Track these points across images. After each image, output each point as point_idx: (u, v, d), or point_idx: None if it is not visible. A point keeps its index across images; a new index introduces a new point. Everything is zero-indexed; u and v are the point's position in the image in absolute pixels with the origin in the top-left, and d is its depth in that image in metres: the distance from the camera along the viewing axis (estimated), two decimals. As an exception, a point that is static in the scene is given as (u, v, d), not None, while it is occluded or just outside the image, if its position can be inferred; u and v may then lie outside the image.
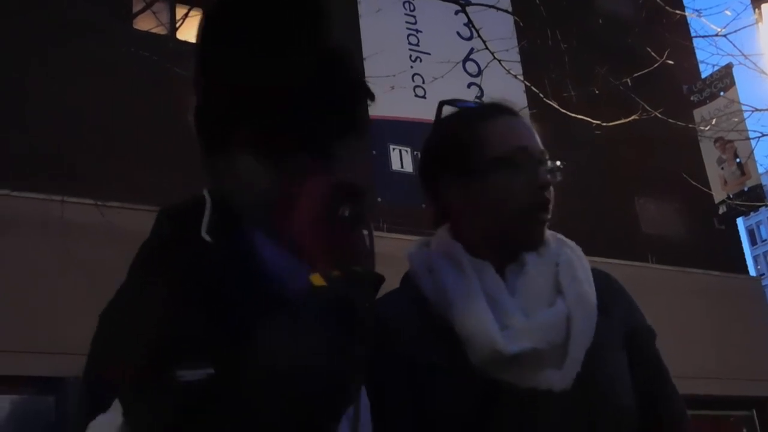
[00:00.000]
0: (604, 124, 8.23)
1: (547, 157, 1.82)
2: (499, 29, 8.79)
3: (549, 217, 1.80)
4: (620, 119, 8.33)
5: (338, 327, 1.28)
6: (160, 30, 9.18)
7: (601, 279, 1.87)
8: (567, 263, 1.81)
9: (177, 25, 9.50)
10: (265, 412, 1.22)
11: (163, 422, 1.22)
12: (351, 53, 1.53)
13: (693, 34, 13.48)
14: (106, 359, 1.34)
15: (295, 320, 1.27)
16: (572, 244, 1.91)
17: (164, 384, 1.21)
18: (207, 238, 1.36)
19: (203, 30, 1.50)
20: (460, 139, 1.84)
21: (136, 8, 9.42)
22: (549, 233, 1.88)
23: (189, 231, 1.38)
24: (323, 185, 1.37)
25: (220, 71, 1.48)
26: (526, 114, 1.93)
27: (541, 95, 7.93)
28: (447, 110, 1.92)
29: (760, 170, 13.47)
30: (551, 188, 1.80)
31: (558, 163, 1.82)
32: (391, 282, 1.56)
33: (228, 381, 1.21)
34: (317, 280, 1.30)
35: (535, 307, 1.72)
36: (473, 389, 1.65)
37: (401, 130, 10.48)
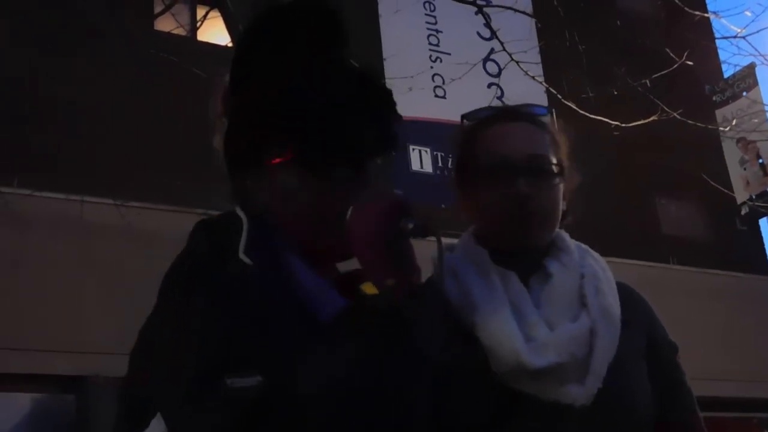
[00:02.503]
0: (623, 125, 8.18)
1: (540, 162, 1.79)
2: (518, 30, 8.74)
3: (533, 224, 1.78)
4: (640, 120, 8.28)
5: (388, 334, 1.32)
6: (181, 31, 9.21)
7: (623, 291, 1.85)
8: (592, 275, 1.80)
9: (197, 25, 9.53)
10: (321, 419, 1.24)
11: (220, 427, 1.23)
12: (379, 72, 1.60)
13: (715, 35, 13.37)
14: (150, 372, 1.36)
15: (345, 329, 1.32)
16: (596, 255, 1.89)
17: (217, 392, 1.22)
18: (246, 259, 1.38)
19: (239, 49, 1.55)
20: (459, 152, 1.89)
21: (156, 10, 9.46)
22: (573, 243, 1.87)
23: (227, 250, 1.40)
24: (381, 200, 1.44)
25: (258, 88, 1.52)
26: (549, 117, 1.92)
27: (560, 96, 7.90)
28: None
29: (784, 171, 13.37)
30: (542, 193, 1.78)
31: (555, 165, 1.80)
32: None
33: (282, 391, 1.23)
34: (369, 288, 1.36)
35: (559, 320, 1.71)
36: (493, 398, 1.64)
37: (421, 131, 10.46)
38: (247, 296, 1.34)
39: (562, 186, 1.84)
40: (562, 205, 1.85)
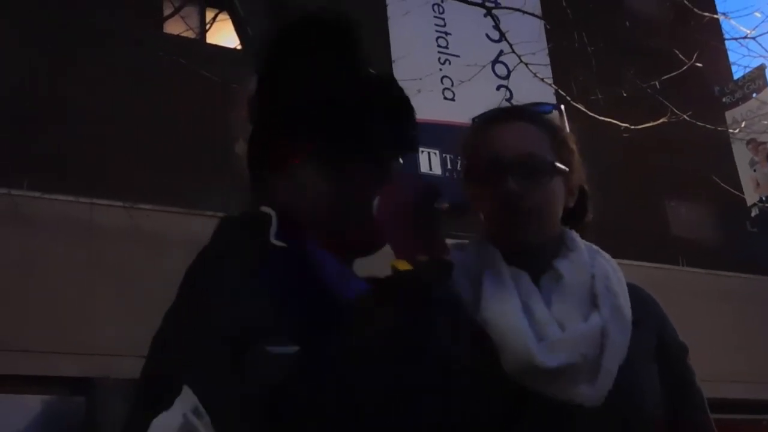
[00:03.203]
0: (633, 126, 8.17)
1: (533, 159, 1.80)
2: (527, 32, 8.74)
3: (527, 221, 1.78)
4: (650, 122, 8.27)
5: (422, 306, 1.39)
6: (190, 34, 9.23)
7: (633, 292, 1.85)
8: (602, 275, 1.80)
9: (207, 28, 9.54)
10: (364, 385, 1.29)
11: (255, 397, 1.26)
12: (395, 80, 1.73)
13: (724, 36, 13.34)
14: (181, 347, 1.40)
15: (382, 301, 1.39)
16: (607, 255, 1.89)
17: (256, 359, 1.27)
18: (278, 243, 1.48)
19: (266, 57, 1.66)
20: (463, 154, 1.91)
21: (165, 12, 9.48)
22: (583, 243, 1.87)
23: (255, 238, 1.50)
24: (411, 182, 1.56)
25: (285, 93, 1.62)
26: (556, 115, 1.92)
27: (568, 98, 7.89)
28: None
29: (794, 172, 13.32)
30: (534, 191, 1.78)
31: (548, 163, 1.80)
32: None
33: (321, 361, 1.29)
34: (402, 265, 1.42)
35: (570, 320, 1.71)
36: (503, 398, 1.63)
37: (430, 133, 10.42)
38: (278, 274, 1.41)
39: (560, 183, 1.83)
40: (568, 202, 1.86)
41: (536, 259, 1.79)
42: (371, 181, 1.59)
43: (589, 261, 1.82)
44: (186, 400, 1.39)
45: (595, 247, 1.90)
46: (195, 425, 1.37)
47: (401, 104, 1.70)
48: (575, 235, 1.89)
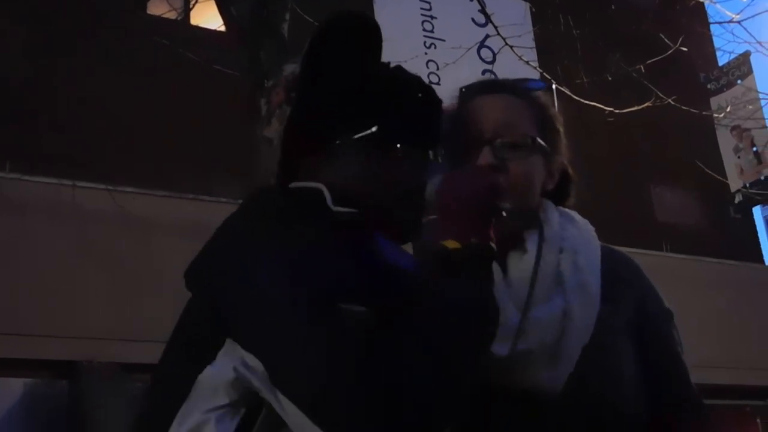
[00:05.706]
0: (617, 111, 8.17)
1: (510, 133, 1.75)
2: (513, 15, 8.71)
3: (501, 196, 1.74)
4: (635, 106, 8.26)
5: (475, 276, 1.47)
6: (173, 15, 9.16)
7: (611, 261, 1.79)
8: (571, 249, 1.73)
9: (190, 5, 9.47)
10: (435, 336, 1.37)
11: (341, 348, 1.31)
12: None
13: (710, 20, 13.34)
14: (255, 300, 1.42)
15: (443, 270, 1.46)
16: (581, 222, 1.83)
17: (334, 315, 1.34)
18: (340, 209, 1.56)
19: (311, 46, 1.72)
20: (447, 126, 1.86)
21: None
22: (557, 212, 1.82)
23: (318, 207, 1.57)
24: (480, 173, 1.62)
25: (328, 77, 1.70)
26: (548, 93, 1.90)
27: (554, 81, 7.87)
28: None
29: (777, 159, 13.36)
30: (510, 165, 1.73)
31: (520, 138, 1.76)
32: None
33: (396, 316, 1.37)
34: (451, 243, 1.48)
35: (531, 302, 1.63)
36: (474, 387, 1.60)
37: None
38: (349, 237, 1.49)
39: (540, 161, 1.79)
40: (547, 183, 1.81)
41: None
42: (408, 167, 1.67)
43: (559, 233, 1.76)
44: (231, 353, 1.40)
45: (570, 214, 1.85)
46: (248, 378, 1.38)
47: (433, 103, 1.77)
48: (550, 205, 1.83)
